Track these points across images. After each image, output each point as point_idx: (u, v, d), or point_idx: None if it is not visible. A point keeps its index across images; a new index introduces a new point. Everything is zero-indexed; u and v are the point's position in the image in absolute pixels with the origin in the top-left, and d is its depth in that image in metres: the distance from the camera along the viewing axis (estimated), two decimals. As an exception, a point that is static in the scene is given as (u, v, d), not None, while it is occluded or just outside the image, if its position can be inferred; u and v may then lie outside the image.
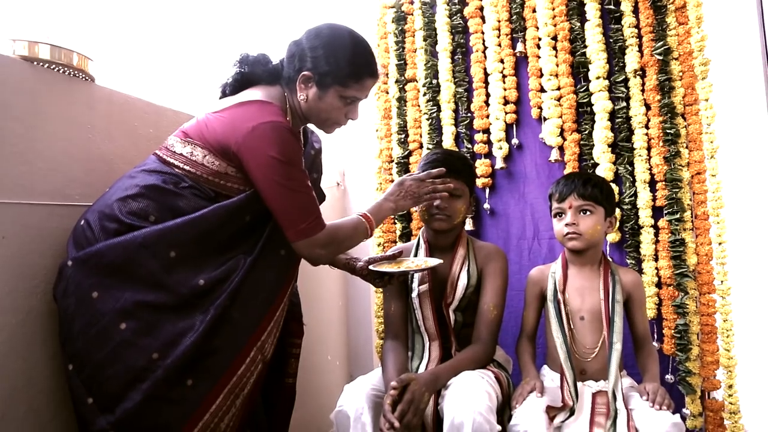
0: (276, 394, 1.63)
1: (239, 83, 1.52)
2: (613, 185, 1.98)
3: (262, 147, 1.34)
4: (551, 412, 1.44)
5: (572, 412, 1.43)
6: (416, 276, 1.71)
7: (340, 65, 1.42)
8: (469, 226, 2.25)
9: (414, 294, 1.71)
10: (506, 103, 2.23)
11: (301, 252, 1.42)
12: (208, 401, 1.31)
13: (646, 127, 1.98)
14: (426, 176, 1.64)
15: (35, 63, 1.41)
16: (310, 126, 1.66)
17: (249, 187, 1.42)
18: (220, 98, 1.55)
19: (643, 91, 1.99)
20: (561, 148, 2.12)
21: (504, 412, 1.57)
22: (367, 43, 1.54)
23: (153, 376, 1.25)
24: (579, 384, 1.52)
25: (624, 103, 2.01)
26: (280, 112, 1.42)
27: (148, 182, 1.36)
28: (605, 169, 2.00)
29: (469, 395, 1.38)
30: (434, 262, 1.61)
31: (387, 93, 2.48)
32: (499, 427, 1.37)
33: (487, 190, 2.26)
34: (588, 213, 1.58)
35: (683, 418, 1.85)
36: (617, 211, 1.99)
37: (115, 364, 1.25)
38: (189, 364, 1.29)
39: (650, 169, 1.96)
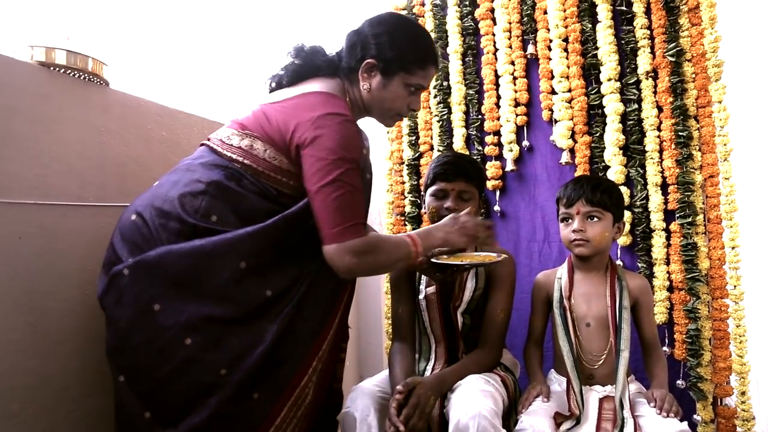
0: (326, 399, 1.52)
1: (297, 74, 1.45)
2: (625, 188, 1.97)
3: (322, 138, 1.25)
4: (558, 418, 1.43)
5: (578, 421, 1.43)
6: (423, 278, 1.72)
7: (405, 51, 1.39)
8: (479, 228, 2.25)
9: (421, 296, 1.71)
10: (517, 105, 2.22)
11: (330, 258, 1.26)
12: (273, 415, 1.27)
13: (658, 129, 1.96)
14: (484, 224, 1.53)
15: (52, 68, 1.45)
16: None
17: None
18: (273, 90, 1.48)
19: (655, 93, 1.97)
20: (572, 151, 2.11)
21: (510, 415, 1.56)
22: (427, 31, 1.51)
23: (221, 392, 1.21)
24: (586, 389, 1.51)
25: (636, 105, 1.99)
26: (346, 105, 1.36)
27: (211, 178, 1.29)
28: (616, 172, 1.98)
29: (474, 399, 1.38)
30: (497, 256, 1.50)
31: (398, 95, 2.48)
32: (504, 431, 1.37)
33: (498, 193, 2.26)
34: (596, 219, 1.56)
35: (695, 425, 1.84)
36: (628, 214, 1.97)
37: (181, 381, 1.20)
38: (256, 378, 1.24)
39: (662, 172, 1.94)
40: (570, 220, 1.59)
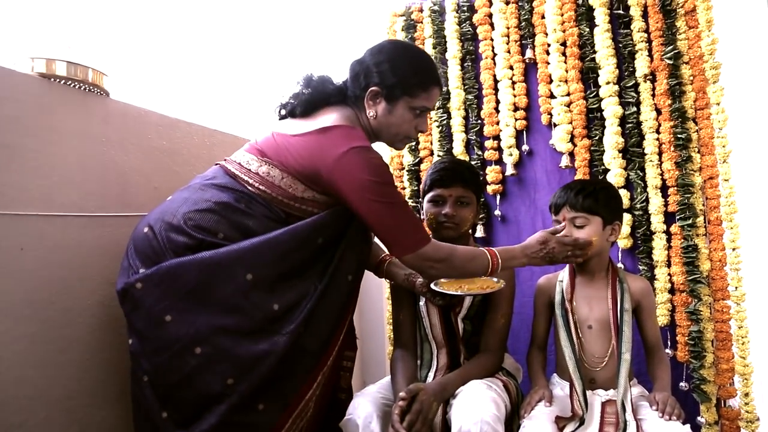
0: (328, 410, 1.54)
1: (309, 103, 1.50)
2: (625, 191, 1.97)
3: (355, 171, 1.33)
4: (560, 422, 1.43)
5: (582, 422, 1.43)
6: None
7: (406, 76, 1.44)
8: (480, 233, 2.26)
9: (422, 302, 1.71)
10: (516, 109, 2.23)
11: (413, 266, 1.43)
12: (278, 426, 1.32)
13: (657, 132, 1.96)
14: (572, 242, 1.52)
15: (52, 80, 1.46)
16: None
17: (323, 210, 1.41)
18: (284, 117, 1.54)
19: (653, 95, 1.97)
20: (571, 154, 2.12)
21: (513, 420, 1.56)
22: (428, 54, 1.57)
23: (228, 401, 1.26)
24: (588, 393, 1.51)
25: (634, 108, 2.00)
26: (364, 135, 1.43)
27: (221, 199, 1.35)
28: (616, 175, 1.99)
29: (477, 404, 1.38)
30: (497, 284, 1.53)
31: (397, 101, 2.49)
32: (506, 436, 1.37)
33: (498, 197, 2.26)
34: (582, 225, 1.56)
35: (699, 427, 1.83)
36: (628, 217, 1.98)
37: (191, 389, 1.26)
38: (262, 390, 1.29)
39: (662, 175, 1.95)
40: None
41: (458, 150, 2.32)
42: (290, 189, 1.39)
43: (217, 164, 1.48)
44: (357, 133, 1.41)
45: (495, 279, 1.53)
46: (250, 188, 1.39)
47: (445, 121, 2.37)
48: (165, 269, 1.27)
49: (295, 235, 1.36)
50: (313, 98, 1.49)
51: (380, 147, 1.66)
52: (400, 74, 1.43)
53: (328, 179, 1.35)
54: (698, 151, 1.91)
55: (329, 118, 1.44)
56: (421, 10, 2.45)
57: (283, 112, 1.54)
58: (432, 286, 1.54)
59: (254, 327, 1.30)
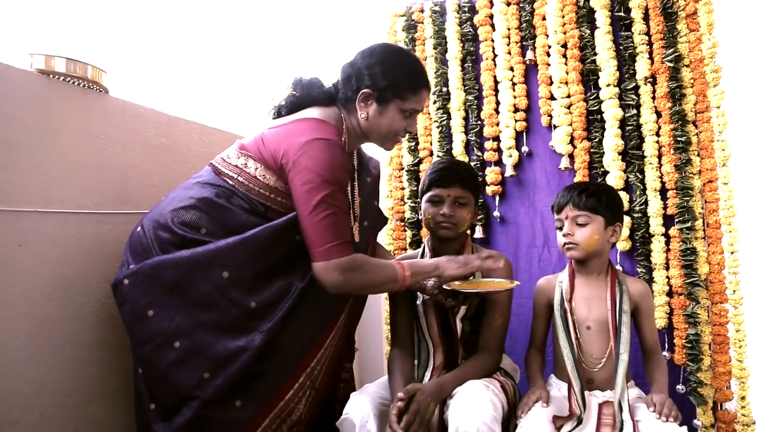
0: (325, 421, 1.56)
1: (295, 105, 1.54)
2: (624, 193, 1.97)
3: (311, 162, 1.35)
4: (558, 422, 1.43)
5: (579, 421, 1.43)
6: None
7: (397, 79, 1.46)
8: (479, 233, 2.26)
9: (419, 301, 1.71)
10: (516, 110, 2.23)
11: (319, 274, 1.35)
12: (254, 423, 1.33)
13: (657, 134, 1.97)
14: (477, 256, 1.57)
15: (51, 76, 1.46)
16: (368, 153, 1.70)
17: None
18: (274, 119, 1.57)
19: (653, 98, 1.98)
20: (571, 156, 2.11)
21: (510, 421, 1.56)
22: (417, 57, 1.60)
23: (203, 395, 1.29)
24: (586, 393, 1.51)
25: (634, 111, 2.00)
26: (335, 131, 1.44)
27: (203, 195, 1.39)
28: (615, 177, 1.99)
29: (474, 405, 1.38)
30: (511, 283, 1.54)
31: (397, 101, 2.49)
32: (503, 437, 1.37)
33: (497, 198, 2.26)
34: (584, 223, 1.57)
35: (695, 430, 1.84)
36: (627, 220, 1.98)
37: (169, 381, 1.31)
38: (238, 386, 1.32)
39: (661, 177, 1.95)
40: (562, 226, 1.61)
41: (458, 151, 2.32)
42: (263, 179, 1.42)
43: (210, 163, 1.51)
44: (327, 126, 1.44)
45: (504, 280, 1.56)
46: (230, 181, 1.43)
47: (444, 122, 2.37)
48: (148, 267, 1.32)
49: (270, 233, 1.38)
50: (299, 100, 1.55)
51: (374, 149, 1.67)
52: (391, 77, 1.46)
53: (285, 164, 1.37)
54: (698, 155, 1.91)
55: (309, 112, 1.49)
56: (422, 11, 2.45)
57: (274, 114, 1.58)
58: (444, 286, 1.54)
59: (232, 323, 1.33)
